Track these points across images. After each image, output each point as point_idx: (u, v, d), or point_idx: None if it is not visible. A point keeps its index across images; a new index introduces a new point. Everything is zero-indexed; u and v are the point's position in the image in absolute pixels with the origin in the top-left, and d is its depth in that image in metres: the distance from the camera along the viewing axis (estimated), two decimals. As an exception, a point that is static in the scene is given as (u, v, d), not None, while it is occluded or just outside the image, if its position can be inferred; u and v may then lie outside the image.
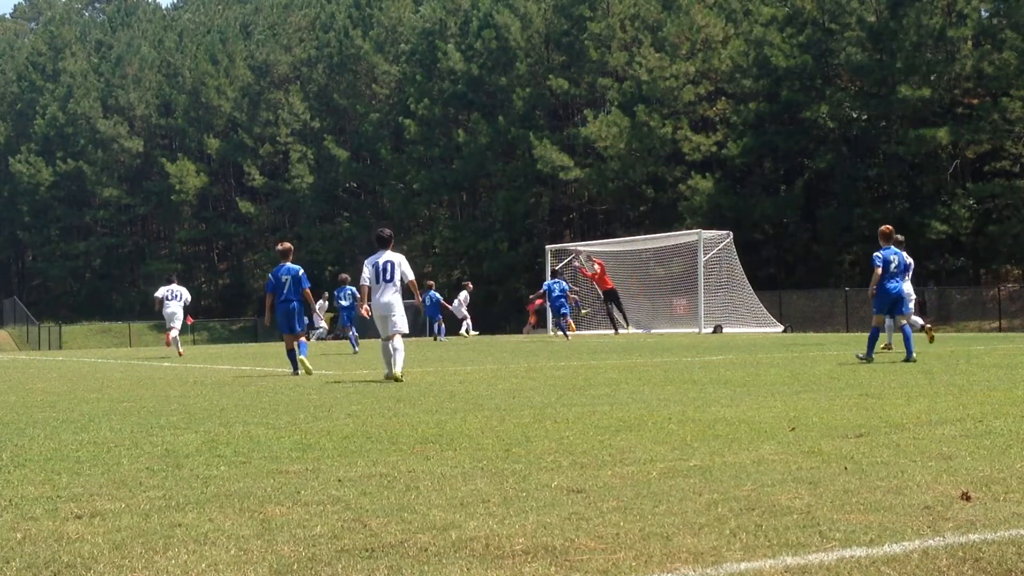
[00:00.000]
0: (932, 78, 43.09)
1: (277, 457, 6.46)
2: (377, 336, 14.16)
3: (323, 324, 37.20)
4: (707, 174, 49.13)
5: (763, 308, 35.65)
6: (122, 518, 4.71)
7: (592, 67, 55.08)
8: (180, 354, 24.57)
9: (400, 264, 13.56)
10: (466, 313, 35.25)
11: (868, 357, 14.91)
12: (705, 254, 35.52)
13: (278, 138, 68.49)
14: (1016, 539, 4.04)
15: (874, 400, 9.17)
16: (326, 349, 27.11)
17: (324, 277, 55.63)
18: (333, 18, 70.61)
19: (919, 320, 18.39)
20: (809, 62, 46.71)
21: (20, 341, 61.71)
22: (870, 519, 4.39)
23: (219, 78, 71.61)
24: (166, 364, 20.66)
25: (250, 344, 40.86)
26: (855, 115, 46.95)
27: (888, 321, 17.17)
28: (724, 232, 37.29)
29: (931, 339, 18.30)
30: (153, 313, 30.75)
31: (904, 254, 15.77)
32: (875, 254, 15.41)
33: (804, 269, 49.06)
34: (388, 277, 13.46)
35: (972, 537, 4.07)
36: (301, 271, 15.53)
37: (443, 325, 33.48)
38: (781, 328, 34.07)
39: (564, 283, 30.43)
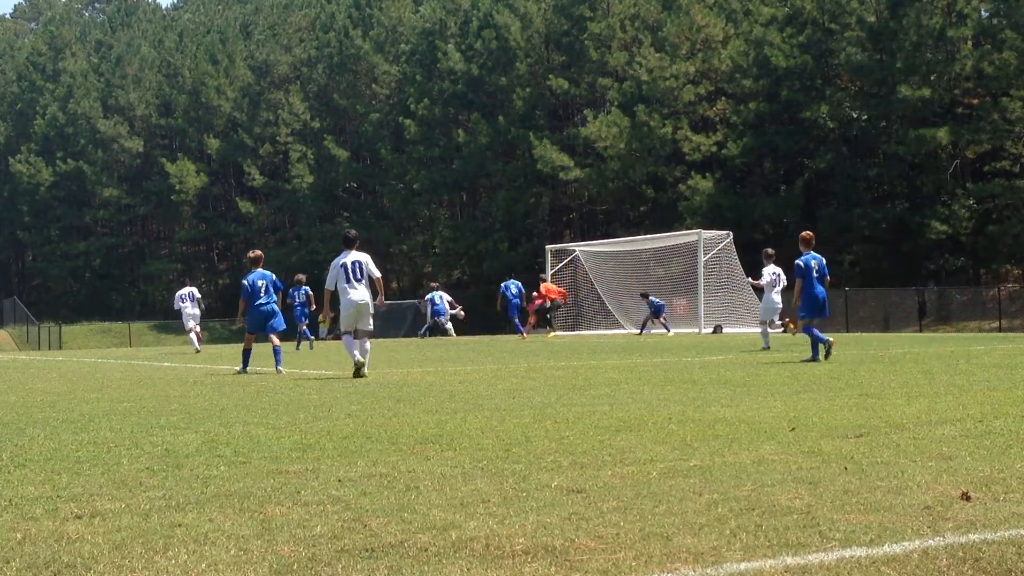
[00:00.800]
0: (932, 78, 43.08)
1: (277, 457, 6.46)
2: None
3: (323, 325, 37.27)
4: (707, 174, 49.13)
5: (763, 308, 35.61)
6: (122, 518, 4.71)
7: (592, 67, 55.07)
8: (198, 351, 26.24)
9: (367, 263, 14.54)
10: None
11: (815, 357, 15.17)
12: (705, 254, 35.54)
13: (278, 138, 68.49)
14: (1016, 539, 4.04)
15: (874, 400, 9.17)
16: (326, 349, 27.15)
17: (324, 277, 55.55)
18: (333, 18, 70.60)
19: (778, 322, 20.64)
20: (809, 62, 46.69)
21: (20, 341, 61.72)
22: (870, 519, 4.39)
23: (219, 78, 71.60)
24: (166, 364, 20.68)
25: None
26: (855, 115, 46.92)
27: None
28: (724, 232, 37.29)
29: (793, 333, 19.88)
30: (153, 313, 32.05)
31: (823, 259, 16.28)
32: (797, 261, 15.85)
33: (804, 269, 48.97)
34: (359, 276, 14.41)
35: (972, 537, 4.07)
36: (274, 276, 16.67)
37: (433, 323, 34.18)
38: (781, 328, 34.03)
39: (519, 284, 32.75)
